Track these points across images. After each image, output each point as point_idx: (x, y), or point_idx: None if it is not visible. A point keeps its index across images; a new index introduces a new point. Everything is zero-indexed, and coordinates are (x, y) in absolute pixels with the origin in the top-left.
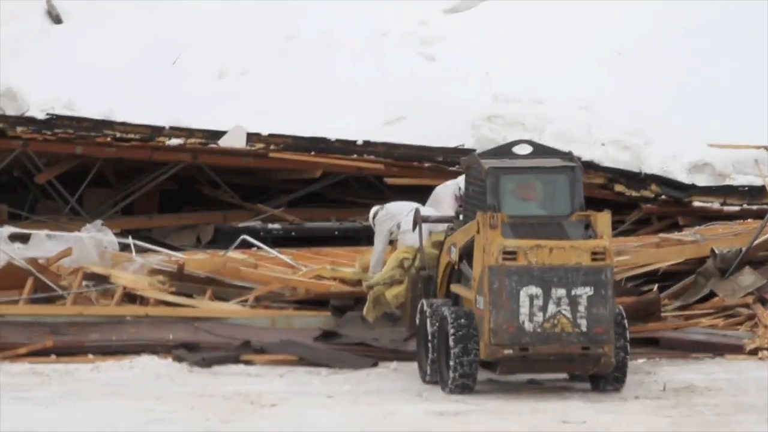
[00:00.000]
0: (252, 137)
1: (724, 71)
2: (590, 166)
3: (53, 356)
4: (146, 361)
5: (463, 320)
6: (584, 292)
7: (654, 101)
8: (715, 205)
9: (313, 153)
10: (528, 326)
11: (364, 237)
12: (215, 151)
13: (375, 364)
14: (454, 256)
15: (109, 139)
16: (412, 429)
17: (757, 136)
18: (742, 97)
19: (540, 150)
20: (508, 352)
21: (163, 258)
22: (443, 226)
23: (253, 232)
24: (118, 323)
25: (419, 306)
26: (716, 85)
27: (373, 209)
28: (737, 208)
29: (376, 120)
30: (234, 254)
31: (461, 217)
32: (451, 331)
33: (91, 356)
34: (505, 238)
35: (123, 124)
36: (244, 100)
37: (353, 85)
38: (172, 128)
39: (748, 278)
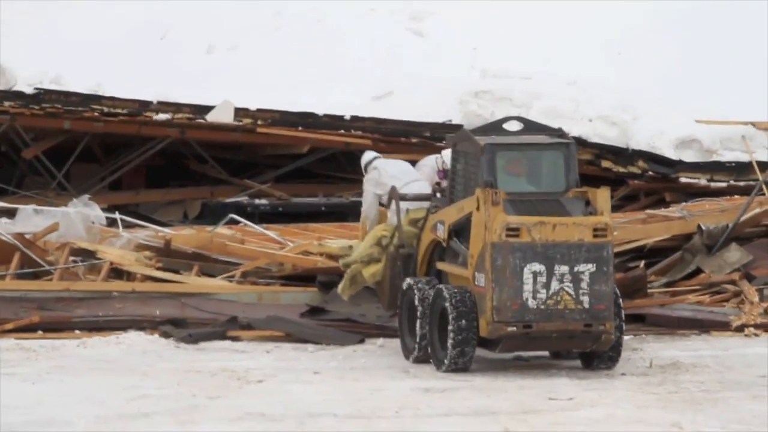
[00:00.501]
0: (239, 112)
1: (712, 48)
2: (578, 142)
3: (40, 332)
4: (133, 336)
5: (460, 298)
6: (587, 268)
7: (642, 77)
8: (702, 181)
9: (300, 128)
10: (531, 303)
11: (351, 213)
12: (203, 126)
13: (362, 341)
14: (442, 233)
15: (96, 114)
16: (398, 405)
17: (745, 113)
18: (729, 74)
19: (530, 126)
20: (511, 329)
21: (150, 233)
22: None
23: (240, 208)
24: (105, 299)
25: (403, 284)
26: (704, 61)
27: (367, 156)
28: (724, 185)
29: (364, 95)
30: (221, 230)
31: (440, 195)
32: (450, 308)
33: (77, 332)
34: (507, 215)
35: (111, 98)
36: (232, 76)
37: (341, 60)
38: (159, 103)
39: (735, 254)
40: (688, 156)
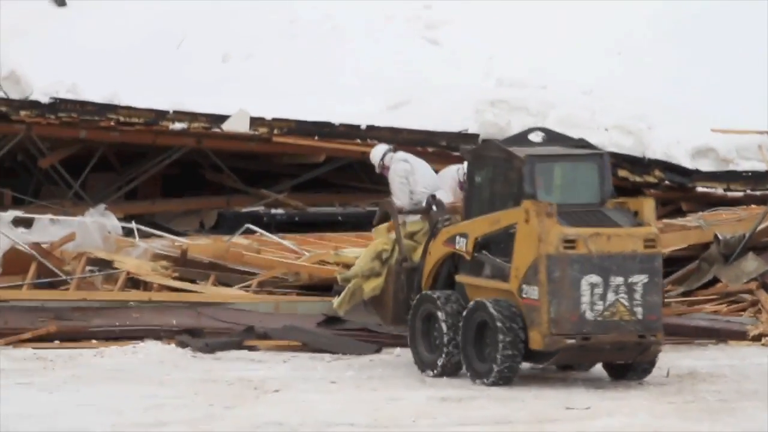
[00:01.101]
0: (255, 121)
1: (728, 56)
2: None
3: (56, 342)
4: (149, 346)
5: (508, 311)
6: (640, 279)
7: (658, 86)
8: (718, 190)
9: (316, 137)
10: (589, 315)
11: (367, 222)
12: (219, 136)
13: (378, 350)
14: (464, 246)
15: (112, 123)
16: (415, 414)
17: (761, 122)
18: (745, 83)
19: (553, 137)
20: (570, 341)
21: (166, 243)
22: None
23: (256, 218)
24: (122, 308)
25: (416, 297)
26: (720, 70)
27: (381, 148)
28: (741, 194)
29: (380, 104)
30: (237, 239)
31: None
32: (499, 322)
33: (94, 341)
34: (563, 227)
35: (127, 108)
36: (247, 84)
37: (357, 69)
38: (175, 112)
39: (752, 264)
40: (705, 165)
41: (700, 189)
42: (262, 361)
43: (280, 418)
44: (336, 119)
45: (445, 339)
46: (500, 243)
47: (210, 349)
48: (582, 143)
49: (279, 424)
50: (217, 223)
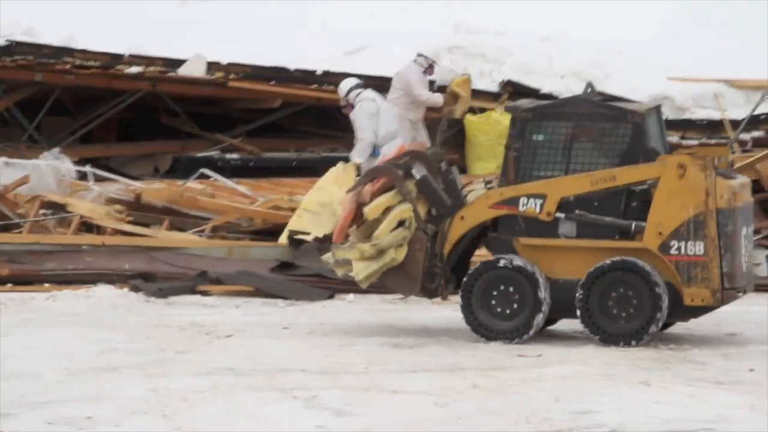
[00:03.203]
0: (212, 66)
1: (685, 4)
2: (550, 98)
3: (9, 285)
4: (102, 290)
5: (655, 270)
6: (750, 229)
7: (614, 34)
8: (674, 138)
9: (272, 83)
10: (745, 268)
11: (322, 168)
12: (175, 80)
13: (331, 296)
14: (540, 207)
15: (68, 66)
16: (367, 361)
17: (717, 70)
18: (702, 31)
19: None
20: (739, 294)
21: (120, 187)
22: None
23: (211, 162)
24: (75, 252)
25: (483, 264)
26: (677, 18)
27: (350, 82)
28: (696, 142)
29: (337, 51)
30: (192, 184)
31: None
32: (660, 281)
33: (47, 285)
34: (726, 180)
35: (83, 51)
36: (204, 29)
37: (314, 14)
38: (131, 56)
39: None
40: None
41: None
42: (215, 306)
43: (232, 363)
44: (292, 65)
45: (534, 305)
46: (593, 202)
47: (163, 293)
48: (615, 98)
49: (231, 369)
50: (172, 168)
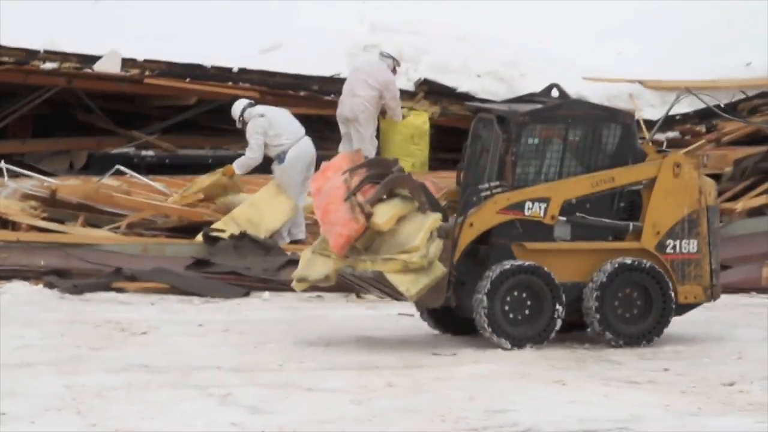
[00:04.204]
0: (127, 63)
1: (601, 4)
2: (465, 98)
3: None
4: (17, 286)
5: (657, 268)
6: None
7: (530, 33)
8: None
9: (188, 80)
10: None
11: None
12: (90, 76)
13: (247, 294)
14: (544, 211)
15: None
16: (282, 359)
17: (632, 70)
18: (617, 31)
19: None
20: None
21: (35, 183)
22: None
23: (126, 159)
24: None
25: (499, 272)
26: (592, 16)
27: (240, 104)
28: None
29: (252, 48)
30: (107, 180)
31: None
32: (666, 283)
33: None
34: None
35: None
36: (119, 25)
37: (230, 11)
38: (46, 52)
39: None
40: None
41: None
42: (130, 303)
43: (146, 360)
44: (208, 62)
45: (560, 307)
46: (586, 204)
47: (78, 290)
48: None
49: (145, 366)
50: (87, 164)
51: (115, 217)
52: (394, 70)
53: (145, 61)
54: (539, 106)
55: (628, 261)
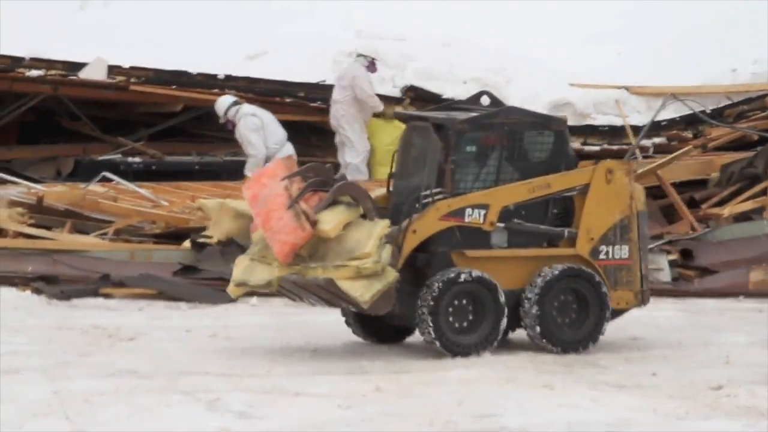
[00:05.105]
0: (113, 69)
1: (586, 10)
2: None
3: None
4: (4, 293)
5: (598, 276)
6: None
7: (515, 39)
8: (575, 144)
9: (174, 86)
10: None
11: (224, 171)
12: (76, 83)
13: (234, 300)
14: (483, 217)
15: None
16: (270, 364)
17: (618, 77)
18: (602, 37)
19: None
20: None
21: (22, 190)
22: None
23: (113, 166)
24: None
25: (446, 281)
26: (578, 23)
27: (227, 100)
28: (597, 148)
29: (238, 54)
30: (94, 187)
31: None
32: (604, 288)
33: None
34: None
35: None
36: (105, 32)
37: (216, 18)
38: (32, 59)
39: None
40: None
41: None
42: (118, 309)
43: (134, 365)
44: (194, 69)
45: (503, 316)
46: (521, 211)
47: (65, 296)
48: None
49: (133, 372)
50: (74, 171)
51: (102, 224)
52: (371, 66)
53: (131, 68)
54: (476, 114)
55: (566, 267)
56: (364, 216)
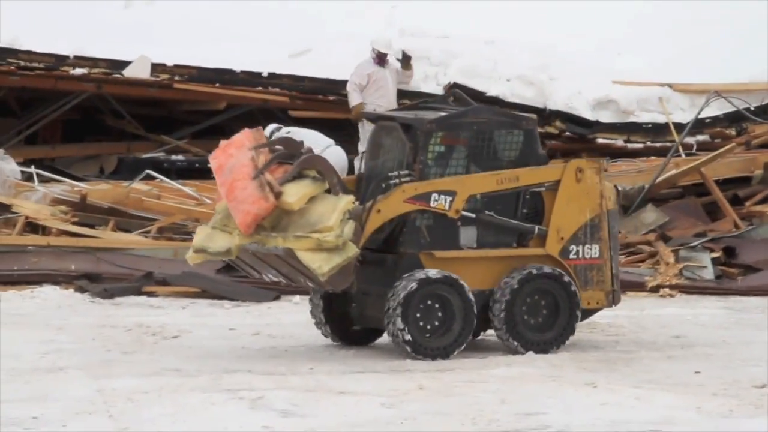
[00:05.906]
0: (157, 68)
1: (630, 7)
2: (495, 102)
3: None
4: (48, 291)
5: (568, 276)
6: None
7: (559, 37)
8: (618, 142)
9: (217, 84)
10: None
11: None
12: (119, 81)
13: (277, 297)
14: (449, 204)
15: (13, 67)
16: (313, 362)
17: (662, 74)
18: (647, 34)
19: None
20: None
21: (65, 188)
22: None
23: (156, 164)
24: (20, 253)
25: (418, 282)
26: (622, 21)
27: (270, 128)
28: (641, 146)
29: (282, 52)
30: (137, 185)
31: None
32: (575, 288)
33: None
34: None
35: (27, 52)
36: (149, 30)
37: (260, 16)
38: (76, 57)
39: (651, 215)
40: (605, 117)
41: (600, 140)
42: (161, 307)
43: (178, 364)
44: (238, 67)
45: (471, 315)
46: (490, 207)
47: (108, 294)
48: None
49: (177, 370)
50: (117, 169)
51: (146, 222)
52: (379, 58)
53: (175, 66)
54: (444, 113)
55: (535, 268)
56: (329, 191)
